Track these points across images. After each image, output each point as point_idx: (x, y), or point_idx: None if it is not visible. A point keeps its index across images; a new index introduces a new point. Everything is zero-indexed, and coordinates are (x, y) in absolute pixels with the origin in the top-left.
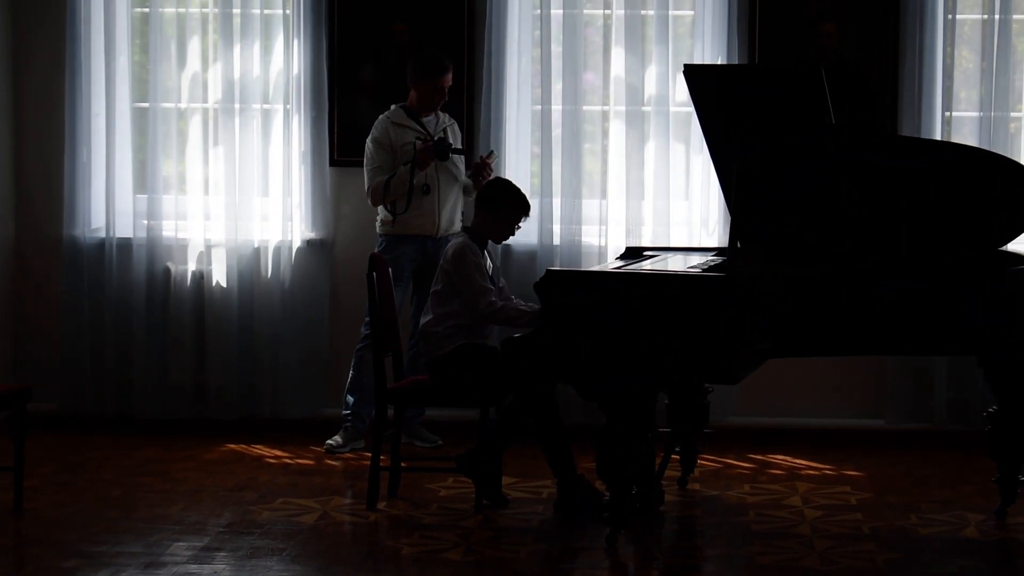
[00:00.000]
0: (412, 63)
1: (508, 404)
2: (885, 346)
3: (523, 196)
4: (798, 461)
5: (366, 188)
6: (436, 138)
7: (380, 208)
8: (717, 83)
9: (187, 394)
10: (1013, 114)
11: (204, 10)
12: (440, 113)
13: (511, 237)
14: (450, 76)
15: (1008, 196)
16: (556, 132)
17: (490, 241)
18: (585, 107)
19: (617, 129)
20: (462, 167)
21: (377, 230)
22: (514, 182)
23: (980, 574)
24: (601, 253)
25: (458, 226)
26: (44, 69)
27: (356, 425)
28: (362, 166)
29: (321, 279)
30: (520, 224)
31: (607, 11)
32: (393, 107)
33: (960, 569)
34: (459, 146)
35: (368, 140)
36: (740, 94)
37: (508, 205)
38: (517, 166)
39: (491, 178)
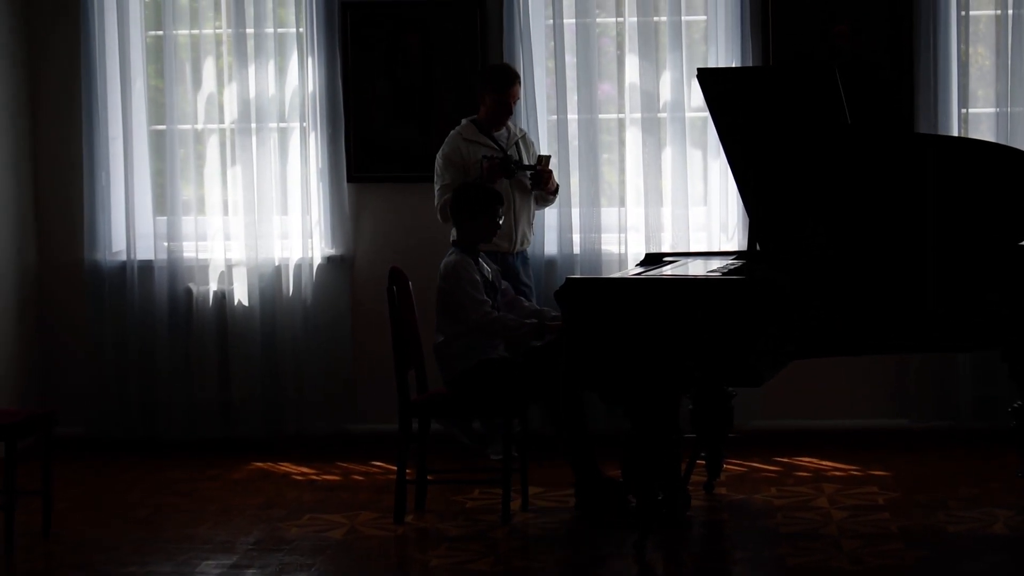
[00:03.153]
0: (480, 75)
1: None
2: (908, 344)
3: (486, 190)
4: (824, 463)
5: (436, 205)
6: (504, 155)
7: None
8: (731, 87)
9: (212, 413)
10: None
11: (217, 31)
12: (512, 126)
13: (494, 234)
14: (518, 88)
15: None
16: (573, 143)
17: (495, 247)
18: (601, 116)
19: (634, 137)
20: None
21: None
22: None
23: (1010, 570)
24: (621, 260)
25: (531, 239)
26: (60, 95)
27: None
28: (378, 182)
29: (342, 295)
30: (500, 214)
31: (620, 19)
32: (464, 121)
33: (990, 566)
34: (528, 161)
35: (438, 156)
36: (755, 97)
37: (477, 204)
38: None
39: (552, 182)
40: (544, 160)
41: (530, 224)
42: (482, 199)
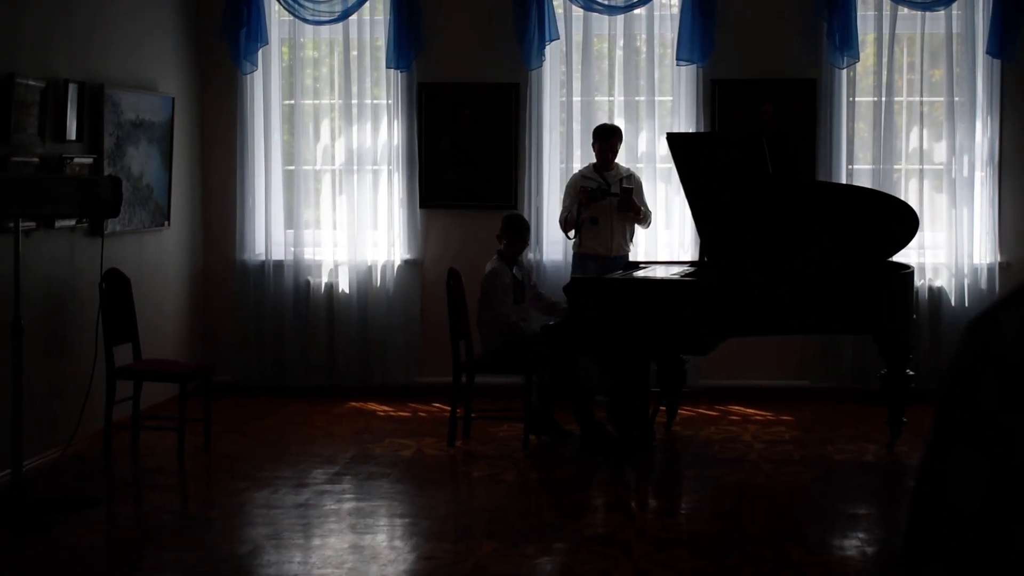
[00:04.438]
0: (593, 132)
1: (548, 373)
2: (808, 328)
3: (512, 220)
4: (748, 410)
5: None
6: (597, 186)
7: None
8: (689, 146)
9: (322, 367)
10: (895, 167)
11: (331, 102)
12: (620, 167)
13: (525, 250)
14: (615, 141)
15: (892, 223)
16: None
17: (518, 256)
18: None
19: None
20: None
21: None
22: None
23: (876, 486)
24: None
25: (628, 248)
26: (223, 143)
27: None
28: (441, 208)
29: (414, 287)
30: (526, 237)
31: (611, 98)
32: (589, 164)
33: (863, 482)
34: (614, 192)
35: (565, 186)
36: (705, 153)
37: (507, 232)
38: (550, 208)
39: (632, 206)
40: (624, 191)
41: (624, 237)
42: (511, 230)
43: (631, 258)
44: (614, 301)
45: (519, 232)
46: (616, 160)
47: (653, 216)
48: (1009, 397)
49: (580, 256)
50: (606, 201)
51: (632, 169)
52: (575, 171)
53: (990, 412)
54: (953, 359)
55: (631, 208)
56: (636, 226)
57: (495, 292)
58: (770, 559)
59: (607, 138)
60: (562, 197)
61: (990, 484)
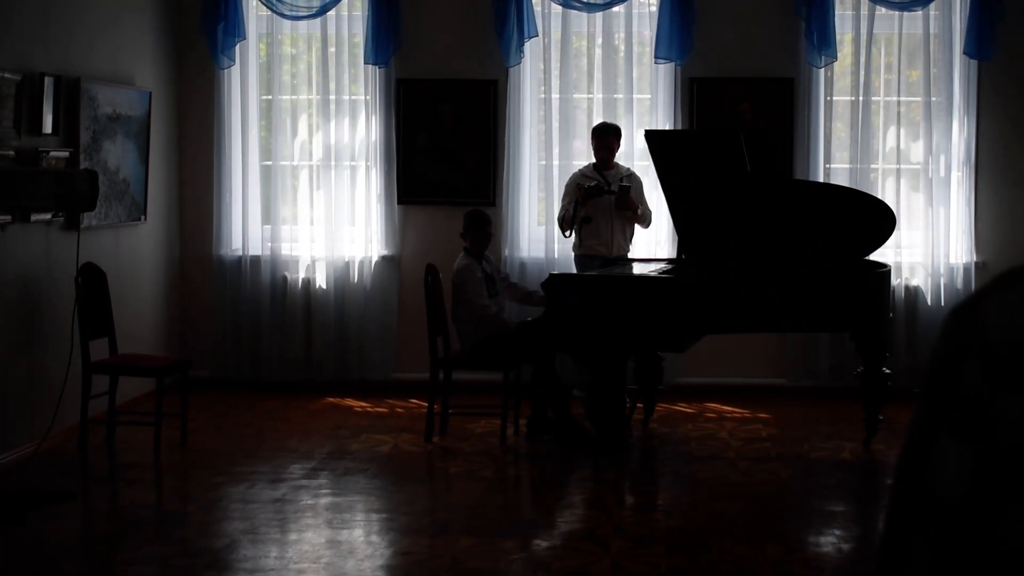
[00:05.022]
0: (591, 130)
1: (533, 373)
2: (785, 326)
3: (473, 215)
4: (725, 407)
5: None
6: (595, 184)
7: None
8: (667, 144)
9: (299, 363)
10: (872, 166)
11: (309, 97)
12: (621, 167)
13: (488, 244)
14: (611, 139)
15: (869, 221)
16: (554, 182)
17: (483, 251)
18: (574, 162)
19: None
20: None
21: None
22: (516, 214)
23: (853, 483)
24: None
25: (628, 248)
26: (199, 138)
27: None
28: (419, 204)
29: (392, 283)
30: (488, 230)
31: (590, 95)
32: (589, 164)
33: (838, 480)
34: (611, 190)
35: (565, 184)
36: (683, 151)
37: (470, 228)
38: (529, 204)
39: (631, 204)
40: (622, 189)
41: (624, 237)
42: (474, 224)
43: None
44: (592, 297)
45: (480, 226)
46: (616, 160)
47: (653, 216)
48: (992, 382)
49: (582, 257)
50: (603, 199)
51: (632, 168)
52: (553, 167)
53: (973, 398)
54: (934, 348)
55: (629, 207)
56: (636, 226)
57: (467, 287)
58: (747, 556)
59: (603, 136)
60: (561, 196)
61: (973, 473)
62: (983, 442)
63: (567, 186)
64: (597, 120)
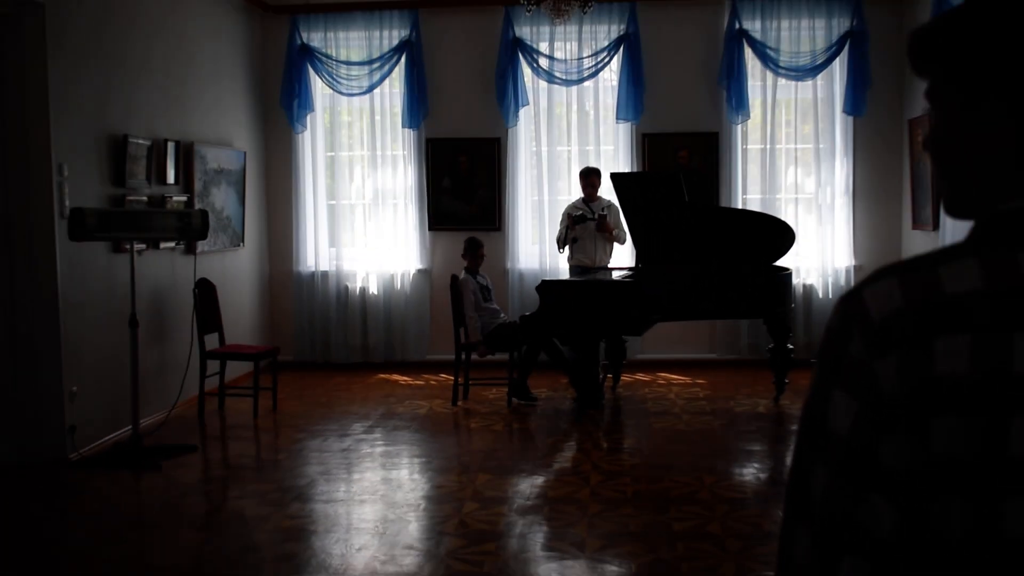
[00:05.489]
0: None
1: (524, 350)
2: (716, 315)
3: (470, 242)
4: (672, 376)
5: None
6: (581, 213)
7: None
8: (627, 181)
9: (357, 349)
10: (777, 196)
11: (361, 153)
12: (602, 199)
13: (483, 261)
14: (593, 179)
15: (776, 237)
16: (545, 212)
17: (477, 268)
18: (559, 197)
19: None
20: (616, 226)
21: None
22: (515, 237)
23: (766, 430)
24: (570, 272)
25: (607, 260)
26: (282, 182)
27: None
28: (444, 231)
29: (425, 289)
30: (480, 252)
31: (569, 148)
32: (579, 197)
33: (756, 428)
34: (593, 217)
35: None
36: (639, 187)
37: (468, 252)
38: (525, 230)
39: (607, 228)
40: (600, 217)
41: (604, 251)
42: (469, 249)
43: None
44: (572, 296)
45: (475, 250)
46: (599, 193)
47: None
48: (870, 349)
49: (573, 267)
50: (588, 224)
51: (612, 201)
52: (544, 202)
53: (857, 361)
54: (827, 326)
55: (606, 230)
56: (615, 244)
57: (463, 299)
58: (690, 483)
59: (587, 176)
60: (558, 222)
61: (857, 414)
62: (864, 392)
63: (563, 215)
64: (575, 166)
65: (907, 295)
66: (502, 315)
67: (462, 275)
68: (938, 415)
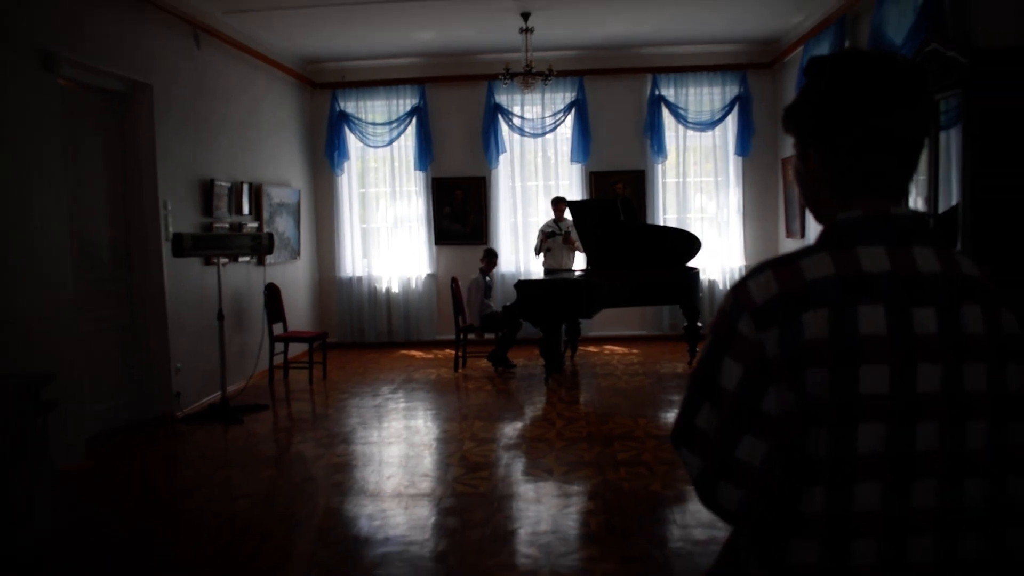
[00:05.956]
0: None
1: (505, 331)
2: (645, 302)
3: (489, 251)
4: (616, 348)
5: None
6: (552, 230)
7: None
8: (581, 207)
9: (384, 332)
10: (688, 215)
11: (384, 189)
12: (567, 219)
13: (495, 267)
14: (561, 205)
15: (687, 245)
16: (519, 230)
17: (490, 271)
18: (530, 219)
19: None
20: (578, 240)
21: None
22: (497, 248)
23: (683, 385)
24: (537, 273)
25: (571, 265)
26: (326, 214)
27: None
28: (447, 245)
29: (432, 288)
30: (494, 260)
31: (536, 183)
32: (550, 219)
33: (676, 384)
34: (560, 233)
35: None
36: (589, 211)
37: (486, 258)
38: (505, 243)
39: (571, 242)
40: (566, 233)
41: (570, 258)
42: (490, 256)
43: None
44: (541, 291)
45: (491, 258)
46: (565, 215)
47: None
48: (757, 326)
49: (546, 270)
50: (557, 239)
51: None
52: (518, 223)
53: (746, 336)
54: (720, 307)
55: (569, 242)
56: (576, 253)
57: (472, 294)
58: (629, 424)
59: (557, 204)
60: (534, 236)
61: (743, 376)
62: (751, 359)
63: (538, 231)
64: (542, 197)
65: (780, 283)
66: (492, 307)
67: (475, 275)
68: (808, 369)
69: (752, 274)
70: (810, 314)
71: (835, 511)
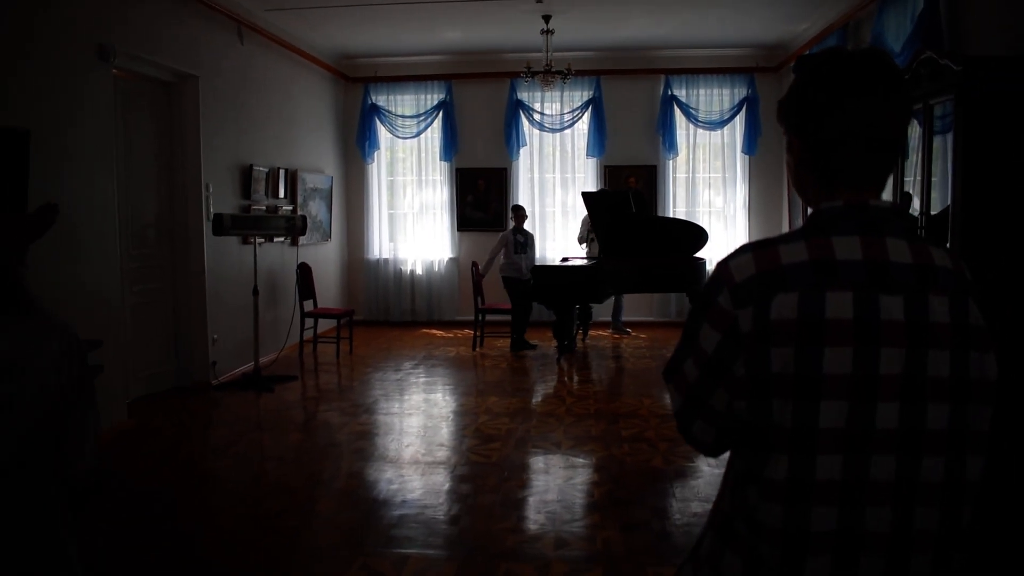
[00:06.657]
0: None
1: (513, 316)
2: (653, 289)
3: (516, 207)
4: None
5: (494, 245)
6: (516, 236)
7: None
8: (594, 199)
9: (408, 311)
10: (697, 209)
11: (412, 177)
12: (526, 228)
13: (524, 221)
14: (521, 213)
15: (695, 236)
16: (536, 219)
17: (520, 226)
18: (548, 209)
19: (561, 214)
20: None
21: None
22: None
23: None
24: (554, 259)
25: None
26: (357, 199)
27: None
28: (468, 231)
29: (454, 270)
30: (522, 214)
31: (553, 175)
32: (512, 223)
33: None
34: (525, 239)
35: (500, 235)
36: (602, 202)
37: (514, 214)
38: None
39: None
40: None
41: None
42: (518, 211)
43: (560, 257)
44: (555, 276)
45: (517, 212)
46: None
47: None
48: (734, 302)
49: (588, 256)
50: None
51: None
52: (535, 212)
53: (724, 310)
54: (705, 285)
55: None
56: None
57: (498, 245)
58: (635, 403)
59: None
60: (500, 238)
61: (719, 343)
62: (726, 329)
63: (581, 222)
64: (559, 188)
65: (758, 265)
66: (521, 266)
67: (504, 232)
68: (775, 347)
69: (735, 254)
70: (781, 296)
71: (797, 479)
